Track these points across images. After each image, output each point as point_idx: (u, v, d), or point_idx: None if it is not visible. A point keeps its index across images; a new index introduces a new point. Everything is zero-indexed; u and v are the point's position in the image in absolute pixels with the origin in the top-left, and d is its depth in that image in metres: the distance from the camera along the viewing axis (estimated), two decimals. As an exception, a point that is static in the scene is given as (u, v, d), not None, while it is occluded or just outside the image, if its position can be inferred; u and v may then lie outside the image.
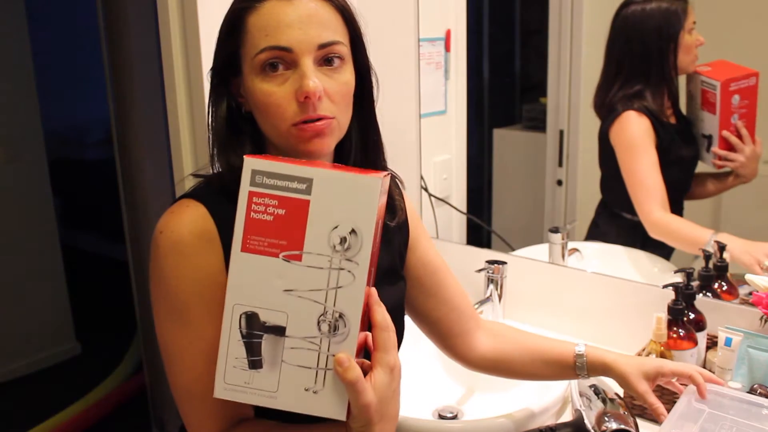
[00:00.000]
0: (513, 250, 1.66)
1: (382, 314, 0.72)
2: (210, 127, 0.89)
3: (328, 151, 0.86)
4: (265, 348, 0.68)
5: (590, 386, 1.15)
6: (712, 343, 1.26)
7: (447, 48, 1.73)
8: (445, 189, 1.77)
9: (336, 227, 0.67)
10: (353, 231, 0.66)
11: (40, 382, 3.10)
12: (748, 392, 1.09)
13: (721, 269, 1.32)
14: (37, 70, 3.14)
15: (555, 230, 1.56)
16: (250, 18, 0.83)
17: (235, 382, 0.68)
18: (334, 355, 0.68)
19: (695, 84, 1.37)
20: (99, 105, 3.38)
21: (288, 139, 0.83)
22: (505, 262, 1.44)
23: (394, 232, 0.88)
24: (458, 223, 1.79)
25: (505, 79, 1.86)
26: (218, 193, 0.85)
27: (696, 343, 1.20)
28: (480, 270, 1.45)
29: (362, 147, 0.92)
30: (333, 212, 0.66)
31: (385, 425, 0.73)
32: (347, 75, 0.85)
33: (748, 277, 1.24)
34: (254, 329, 0.68)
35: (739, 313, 1.26)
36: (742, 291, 1.31)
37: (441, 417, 1.32)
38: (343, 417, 0.69)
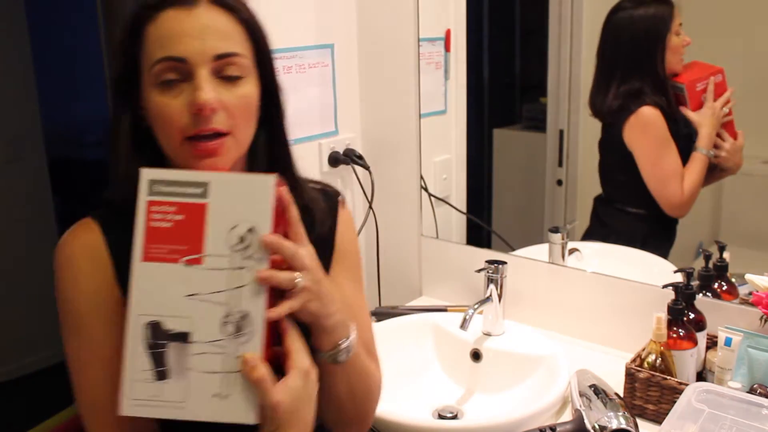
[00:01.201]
0: (513, 250, 1.66)
1: (291, 321, 0.74)
2: (111, 141, 0.86)
3: (224, 170, 0.81)
4: (171, 357, 0.67)
5: (590, 386, 1.15)
6: (712, 343, 1.26)
7: (447, 48, 1.73)
8: (445, 189, 1.77)
9: (234, 227, 0.68)
10: (251, 229, 0.67)
11: (40, 382, 3.10)
12: (748, 392, 1.09)
13: (721, 269, 1.32)
14: (37, 70, 3.14)
15: (555, 230, 1.56)
16: (149, 28, 0.80)
17: (141, 396, 0.67)
18: (239, 357, 0.67)
19: (671, 87, 1.43)
20: (99, 105, 3.38)
21: (182, 153, 0.80)
22: (505, 262, 1.44)
23: (317, 245, 0.83)
24: (458, 223, 1.79)
25: (505, 79, 1.86)
26: (117, 212, 0.83)
27: (696, 343, 1.20)
28: (480, 270, 1.45)
29: (269, 162, 0.89)
30: (230, 213, 0.68)
31: (298, 431, 0.73)
32: (248, 88, 0.82)
33: (748, 277, 1.24)
34: (158, 338, 0.67)
35: (739, 313, 1.26)
36: (742, 291, 1.31)
37: (441, 417, 1.32)
38: (252, 420, 0.68)
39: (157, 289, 0.67)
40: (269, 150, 0.90)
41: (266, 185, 0.68)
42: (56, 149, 3.98)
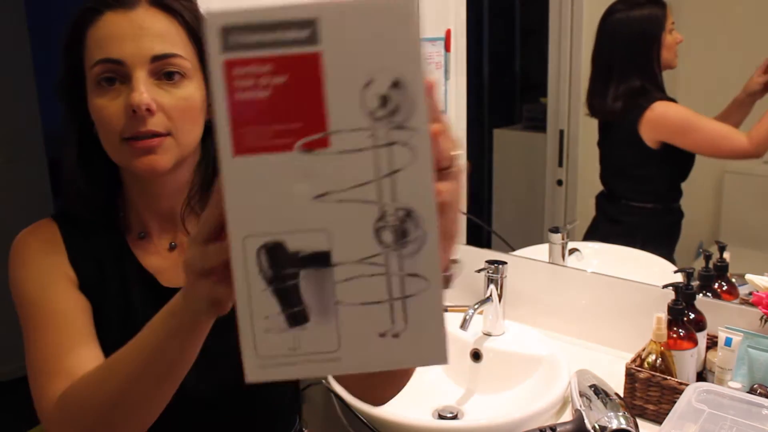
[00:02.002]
0: (513, 250, 1.66)
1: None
2: (62, 150, 0.87)
3: (163, 169, 0.81)
4: (307, 290, 0.45)
5: (590, 386, 1.15)
6: (712, 343, 1.26)
7: (447, 48, 1.73)
8: (445, 189, 1.77)
9: (369, 82, 0.43)
10: (396, 83, 0.43)
11: (40, 382, 3.10)
12: (748, 392, 1.09)
13: (721, 269, 1.32)
14: (37, 70, 3.14)
15: (555, 230, 1.56)
16: (89, 32, 0.81)
17: (274, 352, 0.46)
18: (411, 275, 0.45)
19: None
20: (99, 105, 3.38)
21: (121, 154, 0.81)
22: (505, 262, 1.44)
23: None
24: (458, 223, 1.79)
25: (505, 79, 1.86)
26: (74, 219, 0.88)
27: (696, 343, 1.20)
28: (480, 270, 1.45)
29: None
30: (359, 62, 0.43)
31: None
32: (189, 90, 0.82)
33: (748, 277, 1.24)
34: (284, 266, 0.45)
35: (739, 313, 1.26)
36: (742, 291, 1.31)
37: (441, 417, 1.32)
38: (444, 360, 0.46)
39: (266, 194, 0.43)
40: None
41: (408, 8, 0.42)
42: (56, 149, 3.98)
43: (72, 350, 0.79)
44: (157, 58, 0.79)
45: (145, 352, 0.64)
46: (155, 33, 0.80)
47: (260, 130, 0.43)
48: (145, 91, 0.78)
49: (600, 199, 1.61)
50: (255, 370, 0.46)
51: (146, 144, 0.79)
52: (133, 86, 0.78)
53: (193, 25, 0.84)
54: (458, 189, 0.48)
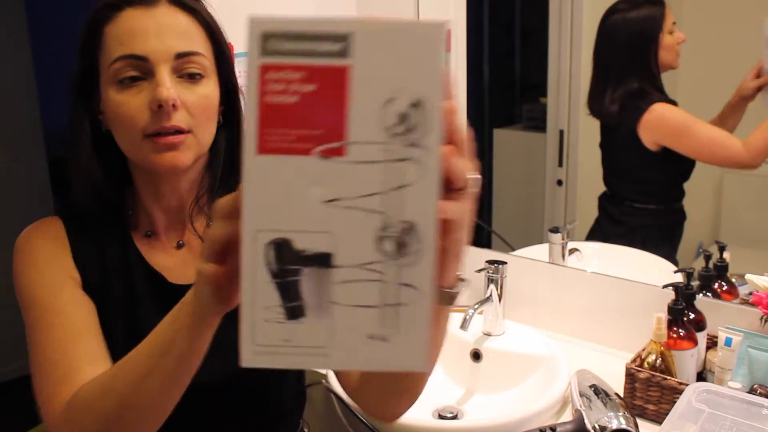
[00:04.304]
0: (513, 250, 1.66)
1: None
2: (71, 146, 0.86)
3: (184, 166, 0.82)
4: (307, 287, 0.48)
5: (590, 386, 1.15)
6: (712, 343, 1.26)
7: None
8: (445, 189, 1.77)
9: (390, 100, 0.46)
10: (416, 103, 0.46)
11: (40, 382, 3.10)
12: (748, 392, 1.09)
13: (721, 269, 1.32)
14: (37, 70, 3.14)
15: (555, 230, 1.56)
16: (107, 28, 0.80)
17: (268, 341, 0.49)
18: (406, 284, 0.48)
19: (765, 29, 1.37)
20: (99, 105, 3.38)
21: (141, 151, 0.81)
22: (505, 262, 1.44)
23: None
24: (458, 223, 1.79)
25: (505, 79, 1.86)
26: (80, 216, 0.87)
27: (696, 343, 1.20)
28: (480, 270, 1.45)
29: (230, 165, 0.90)
30: (384, 79, 0.46)
31: None
32: (208, 89, 0.83)
33: (748, 277, 1.24)
34: (288, 263, 0.47)
35: (739, 313, 1.26)
36: (742, 291, 1.31)
37: (441, 417, 1.32)
38: (422, 367, 0.49)
39: (281, 193, 0.47)
40: (230, 152, 0.90)
41: (438, 35, 0.46)
42: (56, 149, 3.98)
43: (79, 356, 0.78)
44: (180, 56, 0.79)
45: (153, 351, 0.64)
46: (178, 31, 0.80)
47: (284, 132, 0.46)
48: (171, 86, 0.78)
49: (603, 200, 1.61)
50: (249, 356, 0.48)
51: (170, 140, 0.79)
52: (158, 81, 0.78)
53: (211, 24, 0.84)
54: (467, 210, 0.52)
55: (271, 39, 0.45)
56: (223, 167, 0.89)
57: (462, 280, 0.59)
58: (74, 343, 0.79)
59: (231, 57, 0.88)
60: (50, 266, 0.84)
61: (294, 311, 0.48)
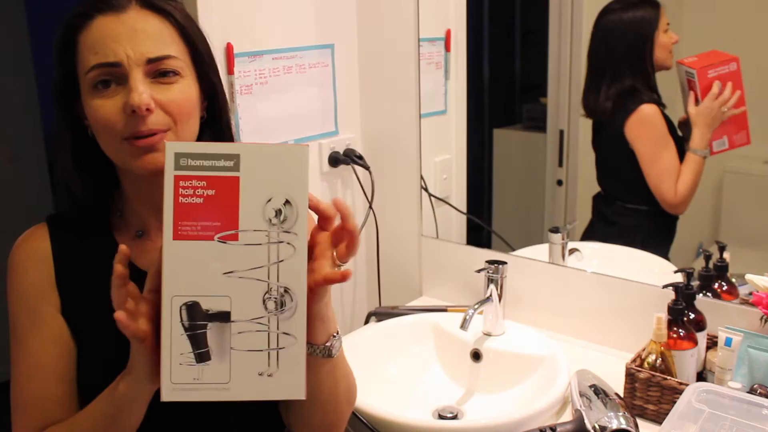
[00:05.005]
0: (513, 250, 1.66)
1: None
2: (56, 153, 0.89)
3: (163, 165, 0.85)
4: (212, 338, 0.65)
5: (590, 386, 1.15)
6: (712, 343, 1.26)
7: (447, 48, 1.73)
8: (445, 189, 1.77)
9: (269, 200, 0.65)
10: (287, 201, 0.65)
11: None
12: (748, 392, 1.09)
13: (721, 269, 1.32)
14: (37, 70, 3.14)
15: (555, 230, 1.56)
16: (81, 37, 0.82)
17: (183, 380, 0.65)
18: (284, 333, 0.65)
19: (681, 74, 1.45)
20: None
21: (121, 154, 0.83)
22: (505, 262, 1.44)
23: None
24: (458, 223, 1.79)
25: (505, 79, 1.86)
26: (68, 220, 0.91)
27: (696, 343, 1.20)
28: (480, 270, 1.45)
29: None
30: (264, 185, 0.65)
31: None
32: (184, 86, 0.84)
33: (748, 277, 1.24)
34: (197, 319, 0.65)
35: (739, 313, 1.26)
36: (742, 291, 1.31)
37: (441, 417, 1.32)
38: (302, 395, 0.67)
39: (191, 268, 0.64)
40: None
41: (300, 155, 0.65)
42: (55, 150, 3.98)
43: (41, 390, 0.85)
44: (152, 60, 0.81)
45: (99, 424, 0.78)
46: (149, 34, 0.81)
47: (193, 224, 0.64)
48: (143, 91, 0.79)
49: (596, 200, 1.61)
50: (168, 392, 0.65)
51: (147, 142, 0.81)
52: (131, 86, 0.79)
53: (184, 24, 0.85)
54: (333, 281, 0.69)
55: (183, 157, 0.64)
56: None
57: (335, 336, 0.77)
58: (39, 381, 0.86)
59: (209, 54, 0.89)
60: (30, 292, 0.88)
61: (202, 356, 0.64)
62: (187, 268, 0.64)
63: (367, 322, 1.58)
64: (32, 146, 3.14)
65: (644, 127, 1.49)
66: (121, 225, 0.92)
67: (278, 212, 0.65)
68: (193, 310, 0.64)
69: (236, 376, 0.65)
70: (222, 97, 0.92)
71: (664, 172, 1.48)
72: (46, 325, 0.86)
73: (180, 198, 0.64)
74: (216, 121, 0.91)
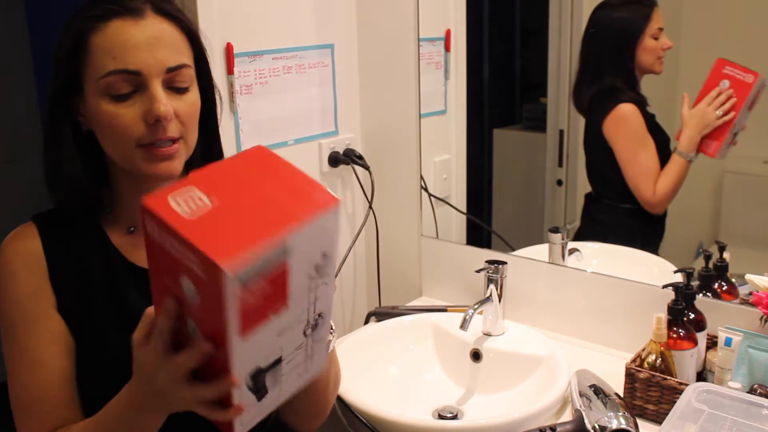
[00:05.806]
0: (513, 250, 1.66)
1: None
2: (49, 149, 0.88)
3: (177, 173, 0.86)
4: (269, 379, 0.69)
5: (590, 386, 1.15)
6: (712, 343, 1.26)
7: (447, 48, 1.73)
8: (445, 189, 1.77)
9: (312, 263, 0.66)
10: (324, 255, 0.67)
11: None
12: (748, 392, 1.09)
13: (721, 269, 1.32)
14: (37, 69, 3.14)
15: (555, 230, 1.56)
16: (94, 38, 0.81)
17: (250, 421, 0.70)
18: (316, 342, 0.72)
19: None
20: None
21: (133, 159, 0.83)
22: (505, 262, 1.44)
23: None
24: (458, 223, 1.79)
25: (505, 79, 1.86)
26: (59, 216, 0.90)
27: (696, 343, 1.20)
28: (480, 270, 1.45)
29: (207, 158, 0.94)
30: (308, 255, 0.65)
31: None
32: (194, 96, 0.86)
33: (748, 277, 1.24)
34: (259, 376, 0.68)
35: (739, 313, 1.26)
36: (742, 291, 1.31)
37: (441, 417, 1.32)
38: (324, 371, 0.79)
39: (255, 348, 0.65)
40: (206, 153, 0.94)
41: (336, 215, 0.66)
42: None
43: (45, 390, 0.85)
44: (171, 69, 0.82)
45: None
46: (168, 43, 0.82)
47: (254, 316, 0.62)
48: (168, 101, 0.81)
49: (586, 199, 1.62)
50: (239, 429, 0.69)
51: (167, 151, 0.83)
52: (153, 96, 0.80)
53: (192, 30, 0.87)
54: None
55: (246, 280, 0.60)
56: (200, 161, 0.92)
57: (331, 331, 0.85)
58: (41, 381, 0.85)
59: (207, 61, 0.92)
60: (24, 291, 0.86)
61: (261, 396, 0.69)
62: (252, 350, 0.64)
63: (367, 322, 1.58)
64: (32, 146, 3.14)
65: (621, 126, 1.50)
66: (111, 221, 0.92)
67: (318, 268, 0.66)
68: (257, 373, 0.67)
69: (285, 389, 0.72)
70: (213, 104, 0.94)
71: (641, 172, 1.48)
72: (44, 324, 0.86)
73: (243, 306, 0.61)
74: (208, 127, 0.94)
